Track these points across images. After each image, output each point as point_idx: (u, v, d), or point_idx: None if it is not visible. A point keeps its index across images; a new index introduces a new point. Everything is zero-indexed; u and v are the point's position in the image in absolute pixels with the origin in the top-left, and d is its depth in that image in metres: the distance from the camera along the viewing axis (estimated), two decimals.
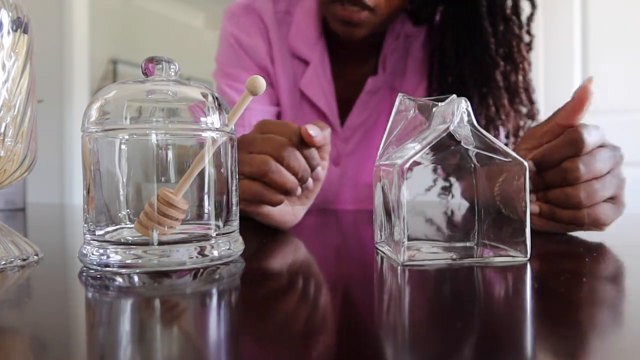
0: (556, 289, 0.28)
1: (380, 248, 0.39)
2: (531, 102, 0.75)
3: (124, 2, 3.16)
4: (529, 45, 0.75)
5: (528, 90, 0.75)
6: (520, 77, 0.73)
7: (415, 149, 0.34)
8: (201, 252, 0.32)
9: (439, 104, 0.38)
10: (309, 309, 0.25)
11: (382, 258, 0.36)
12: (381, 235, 0.39)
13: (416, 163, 0.33)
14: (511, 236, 0.33)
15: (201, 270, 0.31)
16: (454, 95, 0.38)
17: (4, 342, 0.20)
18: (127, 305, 0.25)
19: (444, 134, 0.34)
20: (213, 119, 0.33)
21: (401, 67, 0.82)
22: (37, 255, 0.36)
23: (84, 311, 0.25)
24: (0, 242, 0.35)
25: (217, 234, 0.34)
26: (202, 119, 0.33)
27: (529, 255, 0.34)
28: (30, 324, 0.22)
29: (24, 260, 0.35)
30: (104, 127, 0.32)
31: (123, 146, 0.33)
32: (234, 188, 0.35)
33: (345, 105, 0.83)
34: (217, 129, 0.33)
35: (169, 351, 0.19)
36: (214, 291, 0.28)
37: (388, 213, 0.35)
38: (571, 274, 0.31)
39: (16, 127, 0.35)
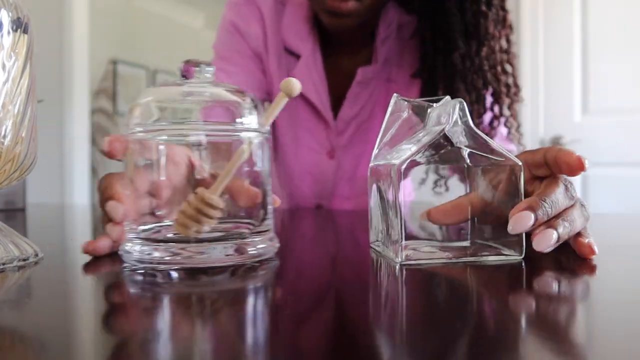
0: (551, 288, 0.28)
1: (376, 248, 0.39)
2: (497, 79, 0.72)
3: (124, 3, 3.17)
4: (504, 22, 0.71)
5: (495, 68, 0.72)
6: (484, 55, 0.71)
7: (411, 150, 0.34)
8: (237, 250, 0.33)
9: (434, 105, 0.39)
10: (312, 309, 0.25)
11: (379, 258, 0.36)
12: (377, 236, 0.39)
13: (413, 163, 0.33)
14: (506, 235, 0.34)
15: (237, 267, 0.32)
16: (448, 97, 0.38)
17: (3, 342, 0.20)
18: (163, 301, 0.26)
19: (439, 135, 0.34)
20: (250, 119, 0.34)
21: (397, 58, 0.81)
22: (37, 255, 0.36)
23: (85, 311, 0.25)
24: (0, 243, 0.35)
25: (252, 232, 0.35)
26: (239, 119, 0.34)
27: (523, 254, 0.34)
28: (30, 324, 0.22)
29: (24, 260, 0.35)
30: (145, 128, 0.33)
31: (162, 147, 0.34)
32: (269, 187, 0.36)
33: (340, 98, 0.82)
34: (253, 130, 0.34)
35: (204, 347, 0.19)
36: (250, 288, 0.29)
37: (385, 213, 0.36)
38: (566, 273, 0.31)
39: (16, 127, 0.35)
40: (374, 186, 0.39)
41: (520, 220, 0.32)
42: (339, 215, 0.75)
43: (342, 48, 0.82)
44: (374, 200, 0.39)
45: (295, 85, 0.33)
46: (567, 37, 2.01)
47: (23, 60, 0.36)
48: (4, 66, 0.34)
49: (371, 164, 0.41)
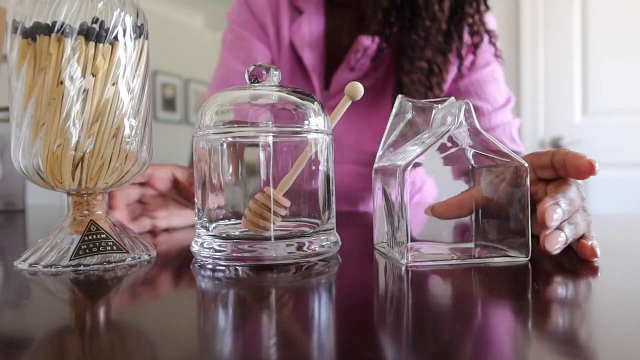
0: (556, 290, 0.28)
1: (380, 249, 0.39)
2: (444, 53, 0.73)
3: None
4: None
5: (437, 38, 0.72)
6: (427, 25, 0.71)
7: (416, 151, 0.34)
8: (300, 248, 0.34)
9: (438, 106, 0.38)
10: (326, 310, 0.25)
11: (384, 260, 0.36)
12: (382, 237, 0.39)
13: (418, 165, 0.33)
14: (512, 237, 0.34)
15: (300, 265, 0.33)
16: (452, 98, 0.38)
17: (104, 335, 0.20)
18: (228, 295, 0.28)
19: (444, 136, 0.34)
20: (317, 121, 0.35)
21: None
22: (149, 254, 0.37)
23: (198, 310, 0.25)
24: (117, 240, 0.35)
25: (315, 231, 0.36)
26: (306, 121, 0.35)
27: (529, 256, 0.34)
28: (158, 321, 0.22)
29: (137, 259, 0.36)
30: (216, 130, 0.35)
31: (232, 147, 0.36)
32: (332, 188, 0.37)
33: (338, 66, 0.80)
34: (320, 131, 0.36)
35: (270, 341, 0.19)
36: (312, 285, 0.29)
37: (390, 215, 0.36)
38: (569, 274, 0.31)
39: (140, 130, 0.36)
40: (379, 188, 0.39)
41: (549, 213, 0.33)
42: (342, 216, 0.75)
43: (349, 14, 0.80)
44: (378, 202, 0.39)
45: (359, 88, 0.36)
46: (567, 37, 2.01)
47: (145, 64, 0.37)
48: (132, 73, 0.35)
49: (375, 165, 0.41)
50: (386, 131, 0.41)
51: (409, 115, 0.41)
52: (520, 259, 0.34)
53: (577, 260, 0.34)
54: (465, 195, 0.38)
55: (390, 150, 0.41)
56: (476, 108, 0.77)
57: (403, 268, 0.32)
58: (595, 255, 0.34)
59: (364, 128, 0.79)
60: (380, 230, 0.39)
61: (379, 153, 0.41)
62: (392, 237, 0.35)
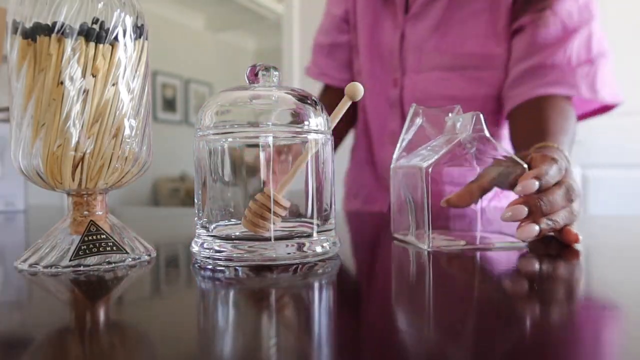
0: (551, 271, 0.29)
1: (400, 237, 0.44)
2: None
3: None
4: None
5: None
6: None
7: (434, 155, 0.39)
8: (300, 249, 0.34)
9: (449, 114, 0.44)
10: (326, 311, 0.25)
11: (406, 246, 0.41)
12: (401, 226, 0.44)
13: (437, 166, 0.39)
14: (512, 225, 0.40)
15: (300, 265, 0.33)
16: (459, 106, 0.43)
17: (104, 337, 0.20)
18: (229, 295, 0.28)
19: (457, 142, 0.40)
20: (317, 121, 0.36)
21: None
22: (149, 254, 0.37)
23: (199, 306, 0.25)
24: (117, 241, 0.35)
25: (315, 232, 0.36)
26: (306, 122, 0.35)
27: (527, 242, 0.40)
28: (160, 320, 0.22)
29: (137, 259, 0.36)
30: (217, 130, 0.35)
31: (231, 147, 0.36)
32: (332, 188, 0.38)
33: None
34: (320, 132, 0.36)
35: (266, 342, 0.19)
36: (312, 285, 0.30)
37: (412, 208, 0.42)
38: (566, 259, 0.34)
39: (141, 129, 0.36)
40: (398, 185, 0.44)
41: (515, 211, 0.39)
42: (355, 216, 0.75)
43: None
44: (396, 197, 0.45)
45: (359, 88, 0.37)
46: None
47: (144, 66, 0.37)
48: (132, 73, 0.35)
49: (393, 165, 0.45)
50: (402, 134, 0.46)
51: (419, 121, 0.45)
52: (519, 244, 0.40)
53: (570, 250, 0.38)
54: (473, 185, 0.43)
55: (404, 153, 0.45)
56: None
57: (425, 252, 0.38)
58: (577, 240, 0.39)
59: (445, 30, 0.76)
60: (399, 221, 0.45)
61: (396, 154, 0.46)
62: (414, 226, 0.41)
